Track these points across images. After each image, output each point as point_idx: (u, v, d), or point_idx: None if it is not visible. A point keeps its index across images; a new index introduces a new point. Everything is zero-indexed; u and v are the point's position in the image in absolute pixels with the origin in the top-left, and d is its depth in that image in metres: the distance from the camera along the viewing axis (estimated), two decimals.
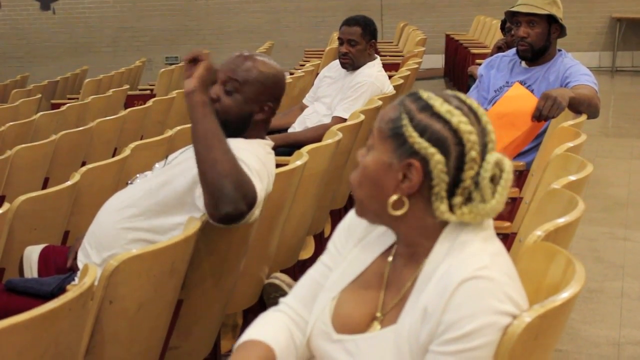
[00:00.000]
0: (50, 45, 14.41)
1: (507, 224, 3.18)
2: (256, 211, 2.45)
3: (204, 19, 14.08)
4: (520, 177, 3.80)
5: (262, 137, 2.79)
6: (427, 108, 1.59)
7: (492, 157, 1.58)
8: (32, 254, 2.91)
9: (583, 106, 3.73)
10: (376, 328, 1.65)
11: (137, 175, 3.03)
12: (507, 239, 3.06)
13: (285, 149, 4.44)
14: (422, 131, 1.57)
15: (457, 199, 1.57)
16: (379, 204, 1.62)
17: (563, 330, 1.68)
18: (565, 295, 1.50)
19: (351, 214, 1.81)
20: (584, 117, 3.69)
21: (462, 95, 1.64)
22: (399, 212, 1.59)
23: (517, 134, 3.58)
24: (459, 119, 1.57)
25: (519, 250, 2.14)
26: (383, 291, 1.68)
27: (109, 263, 2.12)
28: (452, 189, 1.57)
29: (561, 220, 2.02)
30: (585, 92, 3.78)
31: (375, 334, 1.62)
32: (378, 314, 1.66)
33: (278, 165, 3.01)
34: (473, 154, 1.57)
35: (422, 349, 1.51)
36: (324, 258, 1.83)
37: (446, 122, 1.57)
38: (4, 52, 14.42)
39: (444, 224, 1.60)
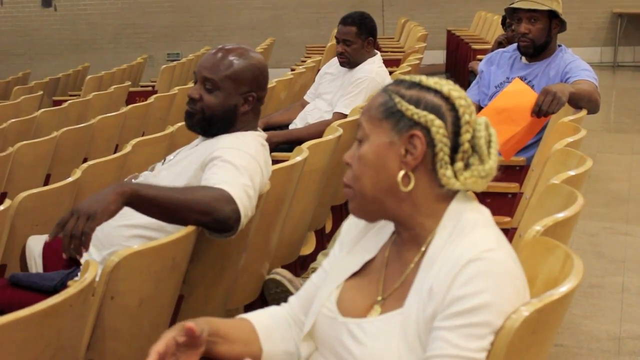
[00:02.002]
0: (52, 42, 14.42)
1: (507, 219, 3.19)
2: (249, 213, 2.45)
3: (205, 15, 14.08)
4: (521, 172, 3.81)
5: (254, 128, 2.79)
6: (415, 84, 1.65)
7: (481, 119, 1.64)
8: (36, 246, 2.92)
9: (583, 101, 3.73)
10: (377, 311, 1.65)
11: (137, 173, 3.03)
12: (507, 234, 3.07)
13: (286, 145, 4.45)
14: (417, 103, 1.62)
15: (458, 165, 1.61)
16: (384, 188, 1.63)
17: (561, 324, 1.68)
18: (563, 289, 1.51)
19: (348, 222, 1.84)
20: (584, 112, 3.70)
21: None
22: (408, 188, 1.61)
23: (516, 130, 3.58)
24: (448, 87, 1.64)
25: (519, 245, 2.15)
26: (383, 274, 1.70)
27: (109, 259, 2.12)
28: (452, 156, 1.61)
29: (560, 215, 2.02)
30: (585, 88, 3.78)
31: (382, 317, 1.62)
32: (379, 298, 1.67)
33: (279, 161, 3.02)
34: (467, 117, 1.62)
35: (428, 329, 1.52)
36: (325, 264, 1.85)
37: (437, 92, 1.63)
38: (5, 49, 14.43)
39: (446, 202, 1.63)
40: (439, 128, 1.59)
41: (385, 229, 1.76)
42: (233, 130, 2.73)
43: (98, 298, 2.11)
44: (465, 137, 1.61)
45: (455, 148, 1.61)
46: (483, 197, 3.41)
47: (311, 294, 1.82)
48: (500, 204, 3.42)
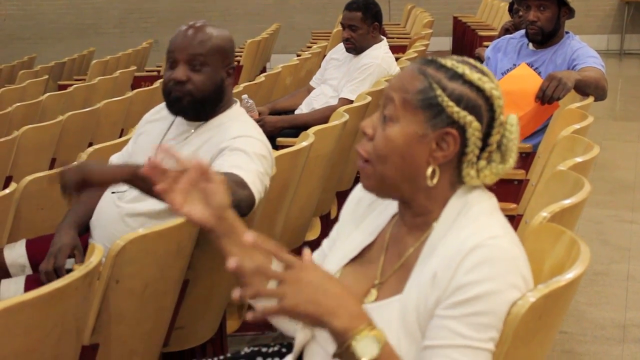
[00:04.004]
0: (58, 26, 14.41)
1: (513, 205, 3.18)
2: (260, 190, 2.45)
3: (210, 0, 14.05)
4: (527, 159, 3.80)
5: (234, 102, 2.78)
6: (457, 76, 1.58)
7: (512, 119, 1.61)
8: (14, 251, 2.88)
9: (590, 88, 3.72)
10: (373, 295, 1.64)
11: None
12: (514, 221, 3.06)
13: (291, 131, 4.45)
14: (458, 100, 1.56)
15: (482, 163, 1.59)
16: (406, 176, 1.59)
17: (567, 311, 1.68)
18: (569, 275, 1.50)
19: (355, 193, 1.82)
20: (590, 99, 3.68)
21: (472, 60, 1.64)
22: (434, 182, 1.58)
23: (519, 114, 3.55)
24: (490, 86, 1.58)
25: (525, 231, 2.15)
26: (382, 258, 1.68)
27: (115, 243, 2.12)
28: (479, 154, 1.59)
29: (567, 202, 2.02)
30: (592, 75, 3.77)
31: (380, 303, 1.60)
32: (376, 281, 1.66)
33: (284, 147, 3.01)
34: (502, 118, 1.59)
35: (429, 316, 1.50)
36: (324, 245, 1.86)
37: (479, 90, 1.57)
38: (11, 33, 14.42)
39: (454, 189, 1.61)
40: (475, 130, 1.56)
41: (385, 212, 1.74)
42: (222, 106, 2.70)
43: (103, 282, 2.11)
44: (496, 138, 1.59)
45: (483, 147, 1.59)
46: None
47: (321, 259, 1.82)
48: (507, 190, 3.41)
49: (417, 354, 1.50)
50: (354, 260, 1.72)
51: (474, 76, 1.58)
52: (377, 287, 1.65)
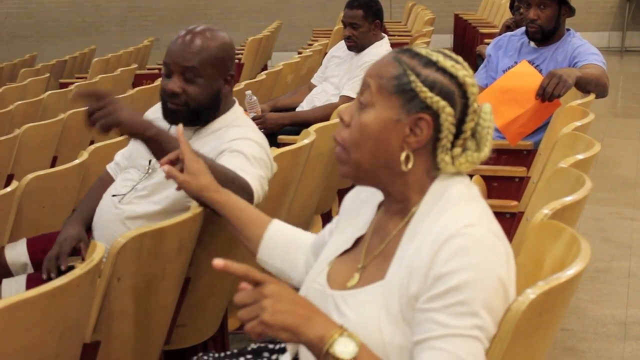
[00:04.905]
0: (59, 24, 14.41)
1: (514, 203, 3.18)
2: (260, 196, 2.45)
3: None
4: (528, 156, 3.80)
5: (233, 103, 2.75)
6: (431, 63, 1.62)
7: (487, 107, 1.65)
8: (15, 250, 2.89)
9: (591, 85, 3.72)
10: (355, 278, 1.67)
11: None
12: (514, 218, 3.07)
13: (293, 128, 4.45)
14: (432, 86, 1.60)
15: (457, 150, 1.62)
16: (381, 161, 1.62)
17: (568, 308, 1.68)
18: (570, 272, 1.51)
19: (353, 190, 1.89)
20: (592, 96, 3.68)
21: (446, 50, 1.68)
22: (408, 168, 1.61)
23: (520, 112, 3.56)
24: (463, 73, 1.61)
25: (526, 228, 2.15)
26: (367, 244, 1.72)
27: (116, 240, 2.13)
28: (453, 141, 1.62)
29: (568, 199, 2.02)
30: (593, 72, 3.77)
31: (363, 289, 1.62)
32: (359, 265, 1.69)
33: (285, 144, 3.01)
34: (475, 105, 1.62)
35: (411, 306, 1.52)
36: (326, 230, 1.94)
37: (452, 77, 1.61)
38: (12, 31, 14.43)
39: (434, 177, 1.64)
40: (447, 116, 1.59)
41: (373, 204, 1.78)
42: (219, 113, 2.68)
43: (105, 279, 2.12)
44: (470, 125, 1.62)
45: (457, 134, 1.61)
46: (490, 181, 3.42)
47: (322, 242, 1.92)
48: (508, 187, 3.42)
49: (402, 339, 1.52)
50: (346, 252, 1.75)
51: (447, 63, 1.62)
52: (359, 271, 1.68)
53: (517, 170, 3.54)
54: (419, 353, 1.47)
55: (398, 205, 1.66)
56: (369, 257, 1.69)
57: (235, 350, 1.98)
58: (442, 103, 1.59)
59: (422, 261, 1.51)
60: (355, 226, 1.78)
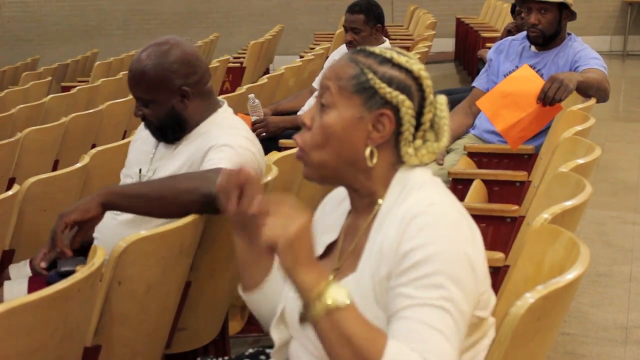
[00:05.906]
0: (61, 28, 14.43)
1: (515, 207, 3.18)
2: None
3: (214, 2, 14.06)
4: (529, 161, 3.80)
5: (215, 107, 2.69)
6: (386, 61, 1.67)
7: (441, 98, 1.70)
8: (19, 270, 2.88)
9: (592, 90, 3.72)
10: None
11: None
12: (515, 223, 3.07)
13: (294, 131, 4.45)
14: (389, 82, 1.65)
15: (418, 142, 1.67)
16: (345, 160, 1.66)
17: (567, 312, 1.69)
18: (569, 276, 1.51)
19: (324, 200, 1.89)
20: (593, 100, 3.69)
21: (398, 48, 1.75)
22: (373, 162, 1.65)
23: (521, 116, 3.56)
24: (418, 67, 1.68)
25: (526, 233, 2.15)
26: (340, 246, 1.75)
27: (117, 244, 2.13)
28: (414, 134, 1.67)
29: (568, 203, 2.02)
30: (594, 76, 3.77)
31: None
32: (334, 267, 1.71)
33: (287, 148, 3.02)
34: (431, 97, 1.68)
35: (384, 288, 1.55)
36: None
37: (408, 71, 1.66)
38: (15, 34, 14.45)
39: (396, 169, 1.67)
40: (408, 109, 1.64)
41: (343, 211, 1.80)
42: (193, 126, 2.64)
43: (106, 283, 2.12)
44: (428, 116, 1.67)
45: (417, 127, 1.66)
46: (491, 186, 3.42)
47: None
48: (509, 192, 3.42)
49: (380, 324, 1.52)
50: (321, 260, 1.76)
51: (401, 59, 1.67)
52: (334, 272, 1.70)
53: (518, 175, 3.54)
54: (390, 326, 1.49)
55: (365, 201, 1.70)
56: (342, 257, 1.72)
57: (233, 357, 1.98)
58: (402, 97, 1.64)
59: (391, 242, 1.55)
60: (325, 232, 1.80)
